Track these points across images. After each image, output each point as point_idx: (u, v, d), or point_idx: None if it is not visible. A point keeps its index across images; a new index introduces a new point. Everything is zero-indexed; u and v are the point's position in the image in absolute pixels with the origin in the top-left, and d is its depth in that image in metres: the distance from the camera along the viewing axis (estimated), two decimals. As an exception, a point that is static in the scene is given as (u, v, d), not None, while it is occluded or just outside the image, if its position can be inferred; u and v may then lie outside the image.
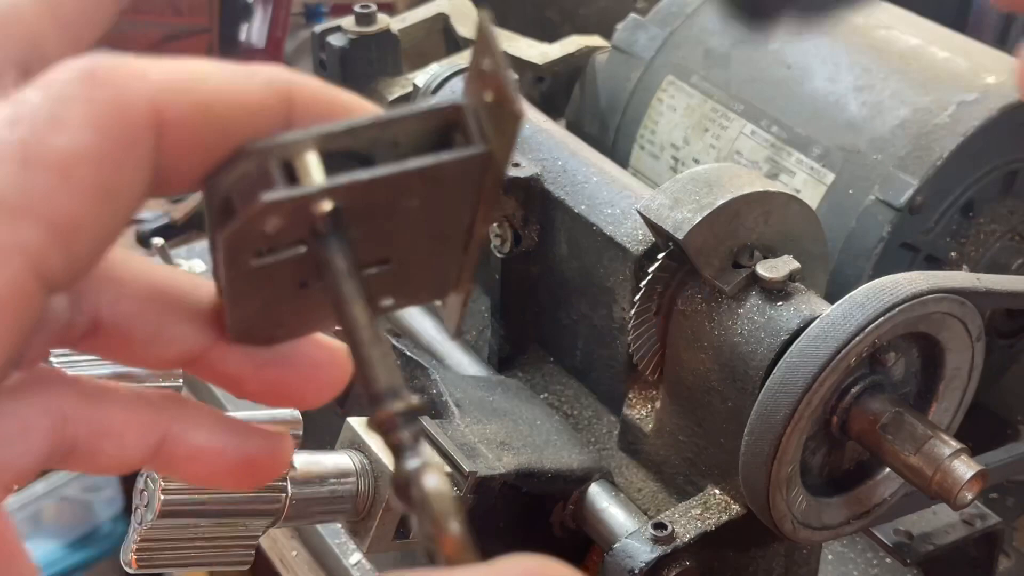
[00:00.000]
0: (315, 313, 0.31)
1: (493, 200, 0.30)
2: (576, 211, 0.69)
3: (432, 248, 0.31)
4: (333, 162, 0.28)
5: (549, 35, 0.93)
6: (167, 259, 0.87)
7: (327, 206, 0.27)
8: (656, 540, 0.59)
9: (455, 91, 0.80)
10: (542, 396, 0.73)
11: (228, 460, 0.32)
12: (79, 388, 0.30)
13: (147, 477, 0.53)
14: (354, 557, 0.66)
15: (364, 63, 0.89)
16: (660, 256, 0.61)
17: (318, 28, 0.91)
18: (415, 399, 0.27)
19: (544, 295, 0.74)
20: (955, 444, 0.56)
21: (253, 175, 0.27)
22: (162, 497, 0.53)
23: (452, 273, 0.32)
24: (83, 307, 0.30)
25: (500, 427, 0.65)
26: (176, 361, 0.31)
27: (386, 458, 0.61)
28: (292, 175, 0.27)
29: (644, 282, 0.62)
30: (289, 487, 0.57)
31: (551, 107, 0.88)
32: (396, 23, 0.91)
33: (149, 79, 0.26)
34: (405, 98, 0.87)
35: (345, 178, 0.27)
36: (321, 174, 0.27)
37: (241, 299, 0.30)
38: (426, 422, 0.63)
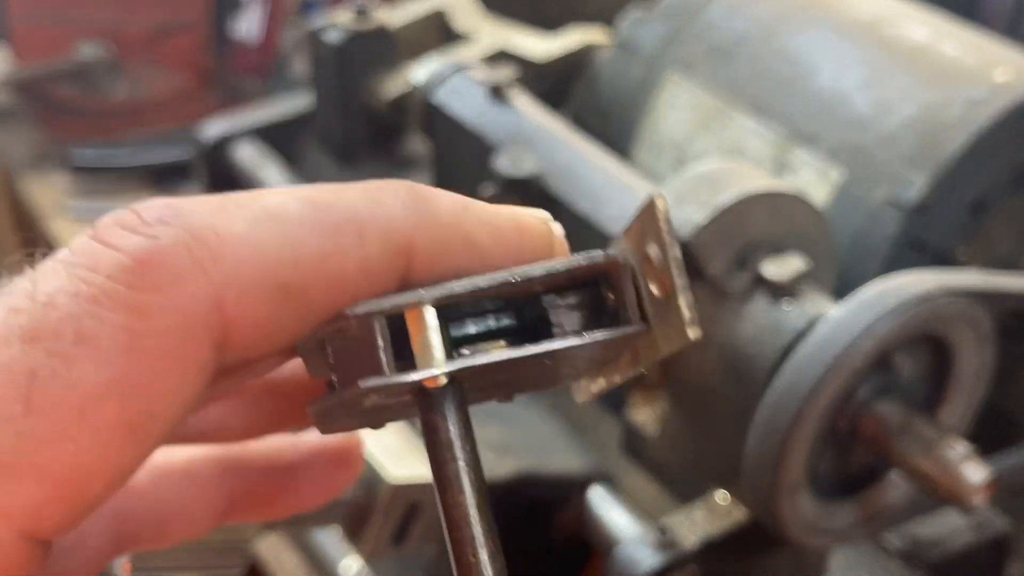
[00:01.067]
0: None
1: (648, 366, 0.25)
2: (578, 210, 0.67)
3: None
4: (451, 312, 0.23)
5: (549, 29, 0.92)
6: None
7: (441, 380, 0.22)
8: (659, 546, 0.58)
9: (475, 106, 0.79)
10: (543, 399, 0.72)
11: (303, 494, 0.30)
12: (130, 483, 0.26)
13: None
14: (352, 564, 0.65)
15: (360, 60, 0.88)
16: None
17: (314, 25, 0.90)
18: None
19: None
20: (965, 447, 0.55)
21: (354, 334, 0.22)
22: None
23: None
24: None
25: (500, 430, 0.64)
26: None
27: (380, 462, 0.60)
28: (400, 333, 0.22)
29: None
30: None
31: (553, 103, 0.87)
32: (394, 19, 0.90)
33: (217, 271, 0.20)
34: (403, 97, 0.86)
35: (466, 362, 0.22)
36: (437, 346, 0.22)
37: (331, 425, 0.26)
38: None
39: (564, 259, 0.24)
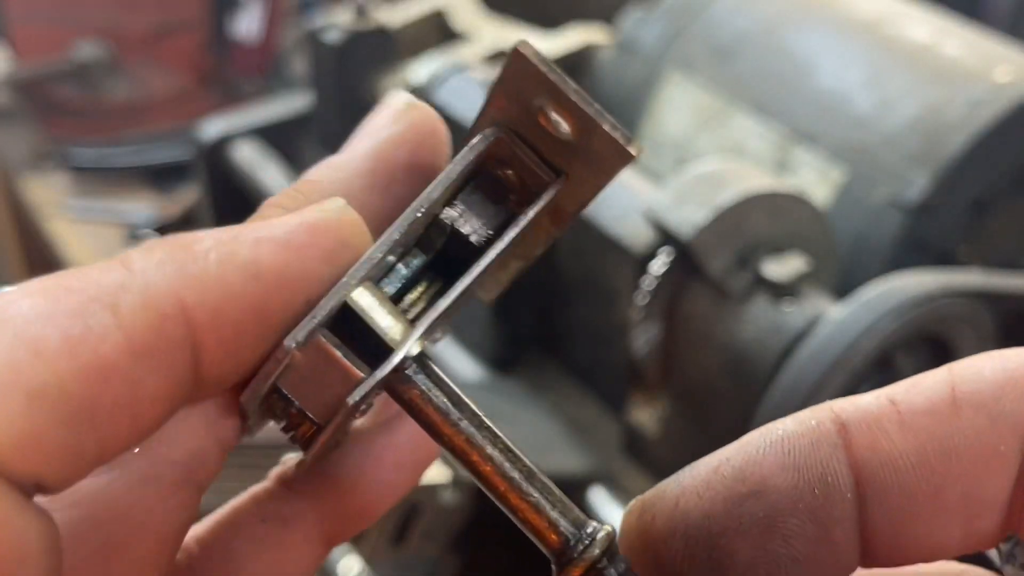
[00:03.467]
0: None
1: (566, 224, 0.23)
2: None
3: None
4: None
5: (550, 28, 0.92)
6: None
7: (414, 352, 0.21)
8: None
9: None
10: (543, 399, 0.71)
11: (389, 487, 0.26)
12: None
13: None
14: (352, 564, 0.64)
15: (360, 60, 0.88)
16: (664, 256, 0.60)
17: (313, 25, 0.90)
18: (608, 528, 0.22)
19: (545, 296, 0.72)
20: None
21: (310, 361, 0.21)
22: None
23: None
24: None
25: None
26: None
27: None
28: (351, 326, 0.21)
29: (647, 283, 0.60)
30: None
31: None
32: (393, 18, 0.90)
33: None
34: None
35: (426, 321, 0.21)
36: (392, 323, 0.21)
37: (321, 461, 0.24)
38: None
39: (446, 169, 0.22)
